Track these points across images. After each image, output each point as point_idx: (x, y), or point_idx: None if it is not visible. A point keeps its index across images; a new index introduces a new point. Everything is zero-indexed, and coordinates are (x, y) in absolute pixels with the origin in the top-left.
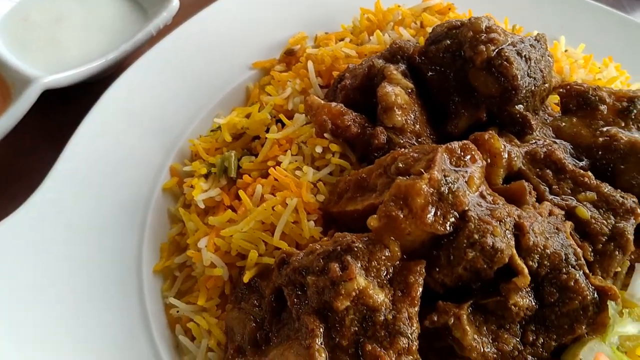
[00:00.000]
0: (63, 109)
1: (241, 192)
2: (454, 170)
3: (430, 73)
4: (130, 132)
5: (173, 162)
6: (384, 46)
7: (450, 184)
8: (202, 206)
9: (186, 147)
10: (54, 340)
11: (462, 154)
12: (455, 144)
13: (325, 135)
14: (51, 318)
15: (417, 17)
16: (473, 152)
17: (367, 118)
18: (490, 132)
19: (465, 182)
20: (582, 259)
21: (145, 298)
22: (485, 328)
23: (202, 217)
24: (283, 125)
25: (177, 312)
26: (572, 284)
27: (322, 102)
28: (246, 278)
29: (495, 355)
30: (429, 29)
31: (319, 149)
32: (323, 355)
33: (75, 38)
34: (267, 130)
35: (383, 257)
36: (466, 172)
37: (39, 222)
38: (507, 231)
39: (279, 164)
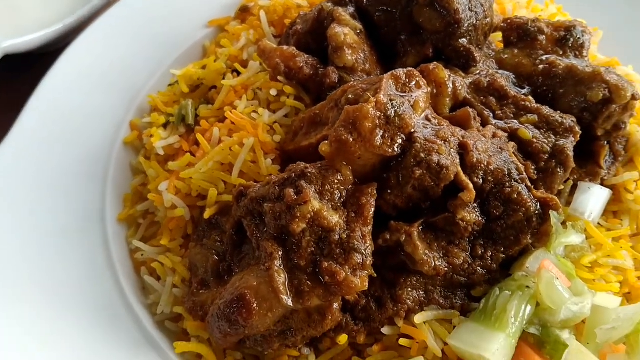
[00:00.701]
0: (24, 78)
1: (199, 136)
2: (400, 95)
3: (377, 14)
4: (89, 90)
5: (133, 118)
6: None
7: (396, 108)
8: (161, 153)
9: (145, 104)
10: (21, 286)
11: (407, 80)
12: (401, 71)
13: (279, 78)
14: (16, 266)
15: None
16: (417, 79)
17: (319, 61)
18: (436, 63)
19: (411, 106)
20: (524, 173)
21: (110, 245)
22: (436, 245)
23: (162, 165)
24: (239, 74)
25: (142, 255)
26: (516, 196)
27: (275, 46)
28: (207, 214)
29: (446, 269)
30: None
31: (273, 92)
32: (282, 275)
33: (34, 5)
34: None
35: (336, 181)
36: (412, 97)
37: (2, 176)
38: (451, 150)
39: (235, 109)
